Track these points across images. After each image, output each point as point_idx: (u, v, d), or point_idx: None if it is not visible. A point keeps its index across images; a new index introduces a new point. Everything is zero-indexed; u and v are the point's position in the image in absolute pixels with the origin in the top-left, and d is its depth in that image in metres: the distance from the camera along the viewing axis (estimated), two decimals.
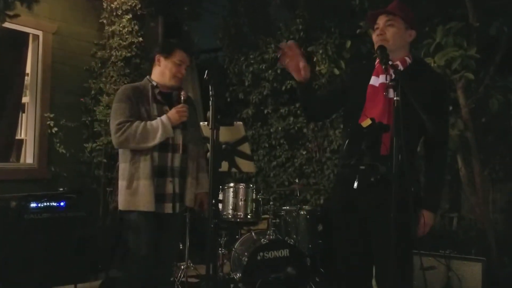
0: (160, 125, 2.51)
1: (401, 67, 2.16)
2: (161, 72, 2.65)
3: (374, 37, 2.26)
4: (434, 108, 2.12)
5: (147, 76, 2.73)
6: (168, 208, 2.59)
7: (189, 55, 2.71)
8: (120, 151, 2.63)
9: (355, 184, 2.06)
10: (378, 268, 2.22)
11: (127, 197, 2.54)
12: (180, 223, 2.90)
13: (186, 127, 2.67)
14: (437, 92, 2.22)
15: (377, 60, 2.27)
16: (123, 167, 2.59)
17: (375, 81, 2.22)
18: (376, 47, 2.20)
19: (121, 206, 2.58)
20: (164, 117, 2.54)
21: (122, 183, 2.58)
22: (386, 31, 2.20)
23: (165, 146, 2.57)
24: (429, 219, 2.19)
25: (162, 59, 2.65)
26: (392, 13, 2.21)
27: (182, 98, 2.64)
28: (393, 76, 1.93)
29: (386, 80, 2.06)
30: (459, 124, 3.70)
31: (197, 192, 2.75)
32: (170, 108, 2.61)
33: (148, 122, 2.52)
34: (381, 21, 2.24)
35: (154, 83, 2.65)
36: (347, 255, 2.28)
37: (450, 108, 3.63)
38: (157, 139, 2.49)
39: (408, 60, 2.23)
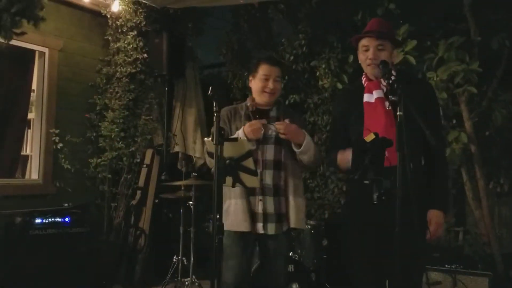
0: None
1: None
2: (254, 91, 2.65)
3: (364, 58, 2.30)
4: (429, 115, 2.14)
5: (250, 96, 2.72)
6: (259, 228, 2.49)
7: (276, 66, 2.62)
8: None
9: (375, 197, 2.06)
10: (392, 283, 2.21)
11: (223, 218, 2.43)
12: (283, 245, 2.62)
13: (281, 143, 2.54)
14: (427, 97, 2.28)
15: (364, 79, 2.35)
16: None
17: (369, 98, 2.28)
18: (369, 68, 2.28)
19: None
20: (240, 131, 2.50)
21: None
22: (378, 56, 2.24)
23: (254, 163, 2.36)
24: (440, 219, 2.18)
25: (251, 79, 2.67)
26: (382, 38, 2.26)
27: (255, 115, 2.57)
28: (392, 88, 1.96)
29: (384, 94, 2.10)
30: (463, 138, 3.70)
31: None
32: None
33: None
34: (371, 44, 2.27)
35: (248, 103, 2.64)
36: (362, 270, 2.27)
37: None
38: None
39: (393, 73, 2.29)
